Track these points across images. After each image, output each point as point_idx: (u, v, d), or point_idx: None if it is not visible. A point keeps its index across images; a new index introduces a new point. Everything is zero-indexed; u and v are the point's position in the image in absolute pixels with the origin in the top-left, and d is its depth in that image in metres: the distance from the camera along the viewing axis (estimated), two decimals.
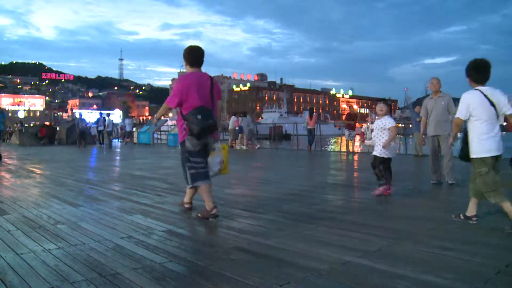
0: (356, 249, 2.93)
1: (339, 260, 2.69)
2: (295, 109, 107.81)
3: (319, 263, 2.62)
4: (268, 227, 3.63)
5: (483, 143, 3.51)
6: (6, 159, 11.25)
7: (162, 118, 20.73)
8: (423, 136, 6.59)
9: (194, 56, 4.00)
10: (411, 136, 16.38)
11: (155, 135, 22.86)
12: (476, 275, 2.43)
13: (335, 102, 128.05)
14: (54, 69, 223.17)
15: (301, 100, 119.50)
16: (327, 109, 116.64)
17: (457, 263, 2.63)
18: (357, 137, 15.84)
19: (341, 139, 18.96)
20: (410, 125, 15.50)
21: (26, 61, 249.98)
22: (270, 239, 3.24)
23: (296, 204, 4.76)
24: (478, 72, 3.60)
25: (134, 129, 25.05)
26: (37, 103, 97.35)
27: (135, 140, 24.03)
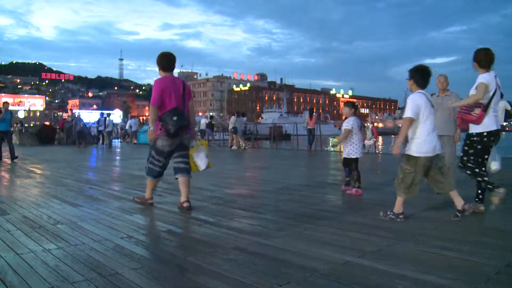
0: (356, 249, 2.93)
1: (339, 260, 2.70)
2: (295, 109, 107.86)
3: (319, 263, 2.62)
4: (268, 227, 3.63)
5: (423, 144, 3.75)
6: (6, 159, 11.25)
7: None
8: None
9: (166, 61, 4.32)
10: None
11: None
12: (476, 275, 2.43)
13: (335, 102, 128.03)
14: (54, 69, 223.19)
15: (301, 100, 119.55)
16: (327, 109, 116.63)
17: (457, 263, 2.63)
18: None
19: None
20: None
21: (26, 61, 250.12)
22: (270, 239, 3.24)
23: (296, 204, 4.76)
24: (423, 77, 3.85)
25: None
26: (37, 103, 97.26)
27: (135, 140, 24.03)
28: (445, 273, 2.44)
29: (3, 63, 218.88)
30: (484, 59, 4.09)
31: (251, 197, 5.41)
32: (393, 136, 39.93)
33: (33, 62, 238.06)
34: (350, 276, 2.40)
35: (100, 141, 21.24)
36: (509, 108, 10.80)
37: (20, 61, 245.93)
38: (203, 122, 20.20)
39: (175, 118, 4.00)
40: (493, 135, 4.10)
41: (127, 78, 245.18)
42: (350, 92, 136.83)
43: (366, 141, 15.51)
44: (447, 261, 2.67)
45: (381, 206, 4.64)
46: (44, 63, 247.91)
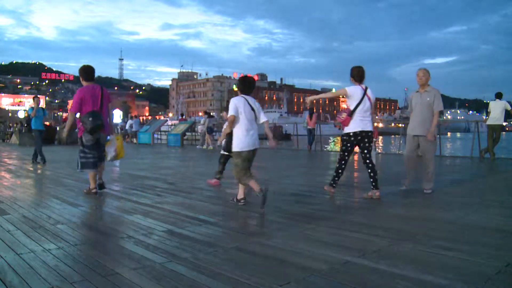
0: (356, 249, 2.93)
1: (339, 260, 2.69)
2: (295, 109, 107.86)
3: (319, 263, 2.62)
4: (268, 227, 3.63)
5: (242, 139, 4.40)
6: (6, 159, 11.25)
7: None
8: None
9: (85, 73, 5.27)
10: None
11: (155, 135, 22.85)
12: (476, 275, 2.43)
13: (335, 102, 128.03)
14: (54, 69, 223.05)
15: (301, 100, 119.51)
16: (327, 109, 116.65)
17: (457, 263, 2.63)
18: None
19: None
20: None
21: (26, 61, 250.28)
22: (270, 239, 3.24)
23: (296, 204, 4.76)
24: (244, 85, 4.61)
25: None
26: None
27: (135, 140, 24.02)
28: (445, 273, 2.44)
29: (3, 63, 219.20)
30: (356, 74, 5.05)
31: (251, 197, 5.41)
32: (393, 136, 39.94)
33: (33, 62, 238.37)
34: (350, 276, 2.40)
35: None
36: (509, 108, 10.82)
37: (20, 61, 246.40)
38: (203, 122, 20.12)
39: (90, 119, 4.96)
40: (358, 135, 4.98)
41: (127, 78, 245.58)
42: None
43: None
44: (447, 261, 2.67)
45: (381, 206, 4.64)
46: (44, 63, 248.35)
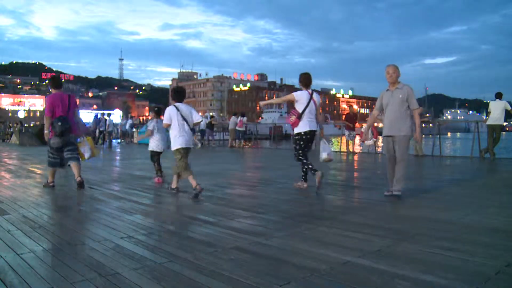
0: (356, 249, 2.93)
1: (339, 260, 2.69)
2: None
3: (319, 263, 2.62)
4: (268, 227, 3.63)
5: (177, 140, 5.28)
6: (6, 159, 11.25)
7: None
8: (364, 133, 6.44)
9: (54, 83, 6.01)
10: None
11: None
12: (476, 275, 2.43)
13: (335, 102, 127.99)
14: (54, 69, 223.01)
15: None
16: (327, 109, 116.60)
17: (457, 263, 2.63)
18: (357, 137, 15.83)
19: (341, 139, 18.96)
20: None
21: (26, 61, 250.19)
22: (270, 239, 3.24)
23: (296, 204, 4.76)
24: (176, 94, 5.46)
25: (134, 129, 25.05)
26: (37, 103, 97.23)
27: (135, 140, 24.02)
28: (445, 273, 2.44)
29: (3, 63, 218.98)
30: (303, 80, 5.84)
31: (251, 197, 5.42)
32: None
33: (33, 62, 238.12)
34: (350, 276, 2.40)
35: (100, 141, 21.22)
36: (509, 108, 10.82)
37: (20, 61, 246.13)
38: (203, 122, 20.15)
39: (59, 123, 5.56)
40: (308, 134, 5.69)
41: (127, 78, 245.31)
42: (350, 92, 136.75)
43: (366, 141, 15.54)
44: (447, 261, 2.66)
45: (381, 206, 4.64)
46: (44, 63, 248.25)
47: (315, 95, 5.81)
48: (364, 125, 15.95)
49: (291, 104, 5.81)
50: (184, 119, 5.31)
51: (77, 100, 6.51)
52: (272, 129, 22.93)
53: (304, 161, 5.71)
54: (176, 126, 5.27)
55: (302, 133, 5.67)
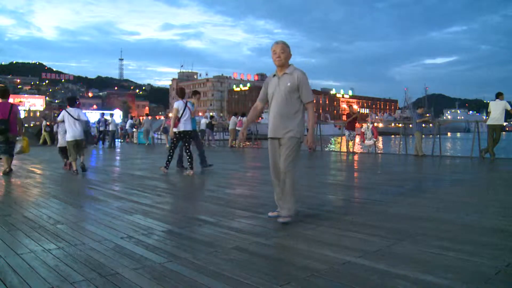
0: (356, 249, 2.93)
1: (339, 260, 2.69)
2: None
3: (319, 263, 2.62)
4: (268, 227, 3.63)
5: (68, 134, 7.93)
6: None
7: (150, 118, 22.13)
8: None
9: (1, 93, 7.70)
10: (411, 136, 16.38)
11: (155, 135, 22.85)
12: (476, 275, 2.43)
13: (335, 102, 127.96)
14: (54, 69, 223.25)
15: None
16: (327, 109, 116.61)
17: (457, 263, 2.63)
18: (358, 137, 15.83)
19: (341, 139, 18.95)
20: (410, 125, 15.52)
21: (26, 61, 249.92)
22: (270, 239, 3.24)
23: (295, 204, 4.75)
24: (69, 101, 8.18)
25: (134, 129, 25.04)
26: (37, 103, 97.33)
27: (135, 140, 24.02)
28: (445, 273, 2.44)
29: (3, 63, 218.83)
30: (179, 93, 8.21)
31: (251, 197, 5.42)
32: (393, 136, 39.91)
33: (33, 62, 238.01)
34: (350, 276, 2.40)
35: (101, 141, 21.22)
36: (509, 108, 10.82)
37: (20, 61, 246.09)
38: (203, 122, 20.14)
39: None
40: (182, 133, 7.80)
41: (127, 78, 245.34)
42: (350, 92, 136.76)
43: (366, 141, 15.56)
44: (447, 261, 2.66)
45: (381, 206, 4.64)
46: (44, 63, 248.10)
47: (189, 104, 7.97)
48: (364, 125, 15.93)
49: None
50: (74, 119, 7.93)
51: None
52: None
53: (172, 153, 7.95)
54: (70, 127, 7.98)
55: (177, 132, 7.80)
